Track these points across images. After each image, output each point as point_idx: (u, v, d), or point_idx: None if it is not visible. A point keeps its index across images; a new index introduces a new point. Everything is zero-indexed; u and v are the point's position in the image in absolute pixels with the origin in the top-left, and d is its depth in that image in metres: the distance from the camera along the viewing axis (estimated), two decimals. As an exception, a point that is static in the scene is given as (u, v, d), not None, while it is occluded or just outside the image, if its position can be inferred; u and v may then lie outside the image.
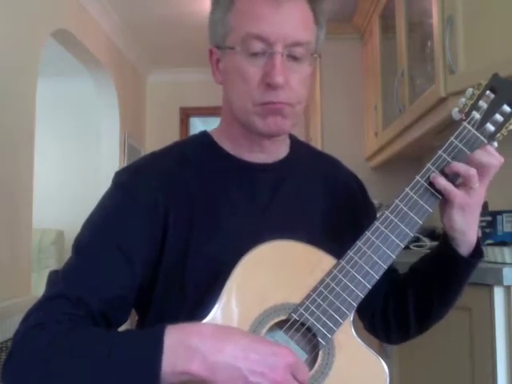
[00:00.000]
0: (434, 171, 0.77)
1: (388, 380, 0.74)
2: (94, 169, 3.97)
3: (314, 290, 0.73)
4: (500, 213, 1.42)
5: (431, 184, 0.77)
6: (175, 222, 0.79)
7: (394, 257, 0.76)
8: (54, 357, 0.64)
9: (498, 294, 1.07)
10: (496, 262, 1.17)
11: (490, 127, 0.79)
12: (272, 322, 0.71)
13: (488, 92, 0.80)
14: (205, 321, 0.70)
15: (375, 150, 2.75)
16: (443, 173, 0.77)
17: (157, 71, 4.68)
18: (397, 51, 2.29)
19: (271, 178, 0.87)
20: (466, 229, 0.79)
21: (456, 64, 1.59)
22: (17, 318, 0.70)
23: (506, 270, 1.05)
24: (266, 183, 0.86)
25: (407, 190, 0.78)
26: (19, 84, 2.35)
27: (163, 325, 0.65)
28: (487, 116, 0.79)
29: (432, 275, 0.85)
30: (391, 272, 0.90)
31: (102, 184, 3.07)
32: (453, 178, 0.77)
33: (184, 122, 4.75)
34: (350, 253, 0.75)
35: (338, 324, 0.72)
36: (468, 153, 0.78)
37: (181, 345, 0.63)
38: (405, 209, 0.77)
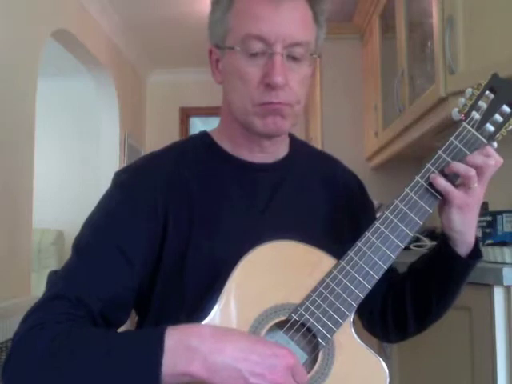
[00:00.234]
0: (433, 171, 0.77)
1: (388, 380, 0.74)
2: (94, 169, 3.97)
3: (314, 290, 0.73)
4: (500, 213, 1.41)
5: (431, 184, 0.77)
6: (175, 222, 0.79)
7: (394, 257, 0.76)
8: (54, 357, 0.64)
9: (498, 294, 1.07)
10: (496, 262, 1.17)
11: (490, 127, 0.79)
12: (272, 323, 0.71)
13: (487, 92, 0.80)
14: (205, 321, 0.70)
15: (375, 150, 2.75)
16: (443, 173, 0.77)
17: (157, 71, 4.68)
18: (397, 51, 2.28)
19: (271, 177, 0.87)
20: (465, 229, 0.79)
21: (456, 64, 1.59)
22: (17, 318, 0.70)
23: (505, 270, 1.04)
24: (265, 183, 0.86)
25: (407, 190, 0.78)
26: (19, 84, 2.35)
27: (163, 326, 0.65)
28: (487, 116, 0.79)
29: (430, 275, 0.85)
30: (390, 271, 0.90)
31: (102, 184, 3.07)
32: (452, 178, 0.77)
33: (184, 122, 4.75)
34: (350, 253, 0.75)
35: (338, 324, 0.72)
36: (468, 153, 0.78)
37: (181, 346, 0.63)
38: (405, 209, 0.77)
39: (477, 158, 0.76)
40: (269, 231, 0.75)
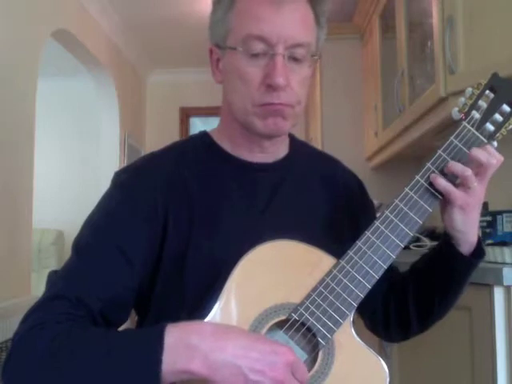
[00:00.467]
0: (433, 171, 0.77)
1: (388, 380, 0.74)
2: (94, 169, 3.97)
3: (314, 289, 0.73)
4: (500, 213, 1.41)
5: (431, 184, 0.77)
6: (175, 222, 0.79)
7: (394, 257, 0.76)
8: (54, 357, 0.64)
9: (498, 294, 1.07)
10: (496, 262, 1.17)
11: (490, 127, 0.79)
12: (272, 322, 0.71)
13: (487, 92, 0.80)
14: (205, 320, 0.70)
15: (375, 150, 2.75)
16: (443, 173, 0.77)
17: (157, 71, 4.68)
18: (397, 51, 2.28)
19: (271, 177, 0.87)
20: (467, 228, 0.79)
21: (456, 64, 1.59)
22: (17, 318, 0.70)
23: (505, 270, 1.05)
24: (265, 183, 0.86)
25: (407, 189, 0.78)
26: (19, 84, 2.35)
27: (163, 324, 0.65)
28: (487, 116, 0.79)
29: (433, 275, 0.85)
30: (391, 270, 0.90)
31: (102, 184, 3.07)
32: (452, 177, 0.77)
33: (184, 122, 4.75)
34: (350, 253, 0.75)
35: (338, 324, 0.72)
36: (468, 152, 0.78)
37: (181, 343, 0.63)
38: (405, 209, 0.77)
39: (481, 154, 0.76)
40: (269, 231, 0.75)
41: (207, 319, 0.70)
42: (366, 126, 2.99)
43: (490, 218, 1.42)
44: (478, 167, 0.77)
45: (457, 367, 1.22)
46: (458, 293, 0.85)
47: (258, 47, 0.77)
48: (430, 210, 0.77)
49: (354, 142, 3.02)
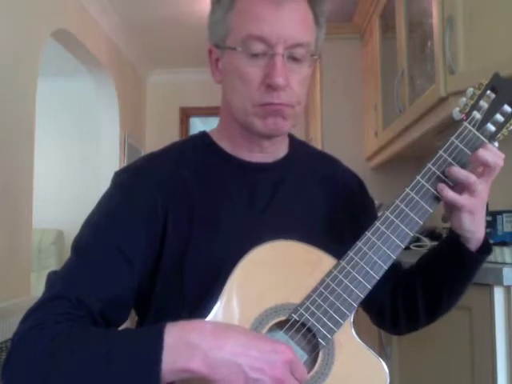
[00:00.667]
0: (438, 176, 0.77)
1: (388, 380, 0.74)
2: (94, 169, 3.97)
3: (315, 290, 0.73)
4: (500, 213, 1.41)
5: (432, 185, 0.77)
6: (174, 223, 0.79)
7: (395, 257, 0.76)
8: (54, 357, 0.64)
9: (498, 294, 1.07)
10: (496, 262, 1.16)
11: (491, 127, 0.79)
12: (272, 323, 0.71)
13: (489, 92, 0.80)
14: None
15: (375, 150, 2.75)
16: (443, 174, 0.77)
17: (157, 71, 4.68)
18: (397, 51, 2.28)
19: (271, 177, 0.87)
20: (475, 228, 0.80)
21: (456, 64, 1.59)
22: (17, 318, 0.70)
23: (506, 270, 1.04)
24: (265, 183, 0.86)
25: (408, 190, 0.77)
26: (19, 84, 2.35)
27: (163, 323, 0.65)
28: (488, 116, 0.79)
29: (441, 270, 0.86)
30: (396, 266, 0.90)
31: (102, 184, 3.07)
32: (453, 180, 0.77)
33: (184, 122, 4.75)
34: (351, 253, 0.75)
35: (338, 324, 0.72)
36: (469, 153, 0.78)
37: (181, 342, 0.63)
38: (405, 209, 0.77)
39: (489, 155, 0.76)
40: (268, 231, 0.75)
41: (207, 319, 0.70)
42: (366, 125, 2.99)
43: (490, 217, 1.42)
44: (484, 168, 0.77)
45: (457, 367, 1.22)
46: (465, 286, 0.87)
47: (258, 47, 0.77)
48: (431, 211, 0.77)
49: (354, 142, 3.02)
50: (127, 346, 0.65)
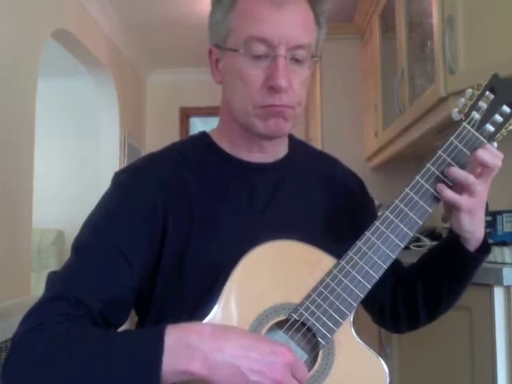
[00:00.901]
0: (438, 176, 0.77)
1: (388, 380, 0.74)
2: (94, 169, 3.97)
3: (314, 290, 0.73)
4: (500, 213, 1.41)
5: (431, 185, 0.77)
6: (174, 223, 0.79)
7: (394, 257, 0.76)
8: (54, 358, 0.64)
9: (498, 294, 1.07)
10: (496, 262, 1.17)
11: (490, 128, 0.79)
12: (272, 322, 0.71)
13: (488, 92, 0.80)
14: (205, 321, 0.70)
15: (375, 150, 2.75)
16: (443, 174, 0.77)
17: (157, 71, 4.68)
18: (397, 51, 2.28)
19: (270, 177, 0.87)
20: (475, 228, 0.81)
21: (456, 64, 1.59)
22: (17, 318, 0.70)
23: (506, 270, 1.05)
24: (265, 183, 0.86)
25: (407, 190, 0.78)
26: (19, 84, 2.35)
27: (163, 325, 0.65)
28: (487, 116, 0.79)
29: (441, 270, 0.87)
30: (396, 265, 0.91)
31: (102, 184, 3.07)
32: (452, 180, 0.77)
33: (184, 122, 4.75)
34: (350, 253, 0.75)
35: (338, 324, 0.72)
36: (468, 153, 0.78)
37: (181, 344, 0.63)
38: (405, 209, 0.77)
39: (486, 155, 0.76)
40: (268, 231, 0.75)
41: (207, 319, 0.70)
42: (366, 125, 2.99)
43: (490, 217, 1.42)
44: (483, 168, 0.77)
45: (457, 367, 1.22)
46: (465, 285, 0.87)
47: (260, 49, 0.77)
48: (430, 211, 0.78)
49: (354, 142, 3.02)
50: (127, 347, 0.65)
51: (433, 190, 0.78)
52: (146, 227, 0.78)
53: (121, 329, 0.75)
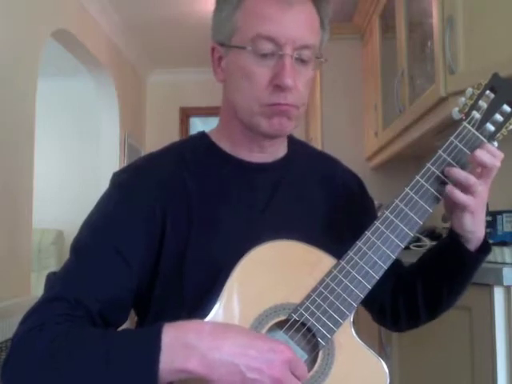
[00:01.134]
0: (437, 175, 0.77)
1: (388, 380, 0.74)
2: (94, 169, 3.97)
3: (314, 290, 0.73)
4: (500, 213, 1.41)
5: (432, 185, 0.77)
6: (173, 223, 0.79)
7: (394, 257, 0.76)
8: (53, 358, 0.64)
9: (498, 294, 1.07)
10: (496, 262, 1.17)
11: (490, 127, 0.79)
12: (272, 322, 0.71)
13: (488, 92, 0.80)
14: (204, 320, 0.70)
15: (375, 150, 2.75)
16: (443, 174, 0.77)
17: (157, 71, 4.68)
18: (397, 51, 2.28)
19: (270, 177, 0.87)
20: (476, 228, 0.81)
21: (456, 64, 1.59)
22: (17, 318, 0.70)
23: (506, 270, 1.05)
24: (265, 183, 0.86)
25: (407, 190, 0.78)
26: (19, 84, 2.35)
27: (161, 323, 0.65)
28: (487, 116, 0.79)
29: (441, 270, 0.87)
30: (396, 265, 0.91)
31: (102, 184, 3.05)
32: (453, 180, 0.77)
33: (184, 122, 4.75)
34: (350, 253, 0.75)
35: (337, 324, 0.72)
36: (468, 153, 0.78)
37: (178, 342, 0.63)
38: (405, 209, 0.77)
39: (485, 155, 0.76)
40: (268, 231, 0.75)
41: (207, 320, 0.70)
42: (366, 125, 2.99)
43: (490, 217, 1.42)
44: (482, 169, 0.77)
45: (457, 367, 1.22)
46: (465, 285, 0.87)
47: (267, 47, 0.77)
48: (431, 211, 0.78)
49: (354, 142, 3.02)
50: (125, 346, 0.65)
51: (433, 190, 0.77)
52: (145, 227, 0.78)
53: (121, 328, 0.75)
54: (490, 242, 0.87)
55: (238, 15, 0.79)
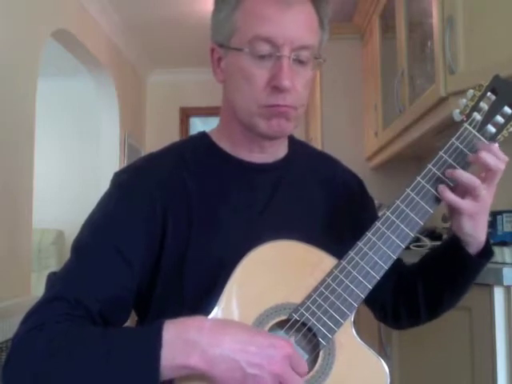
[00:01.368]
0: (438, 176, 0.77)
1: (388, 380, 0.74)
2: (94, 169, 3.97)
3: (315, 290, 0.73)
4: (500, 213, 1.41)
5: (433, 185, 0.77)
6: (174, 223, 0.79)
7: (395, 257, 0.76)
8: (53, 357, 0.64)
9: (498, 294, 1.07)
10: (496, 262, 1.17)
11: (491, 128, 0.79)
12: (273, 322, 0.71)
13: (489, 93, 0.80)
14: (205, 320, 0.70)
15: (375, 150, 2.75)
16: (444, 175, 0.77)
17: (157, 71, 4.68)
18: (397, 51, 2.28)
19: (270, 177, 0.87)
20: (476, 232, 0.80)
21: (456, 64, 1.59)
22: (17, 318, 0.70)
23: (505, 270, 1.05)
24: (265, 183, 0.86)
25: (408, 190, 0.78)
26: (19, 84, 2.35)
27: (161, 320, 0.65)
28: (488, 117, 0.79)
29: (442, 272, 0.86)
30: (397, 264, 0.90)
31: (102, 184, 3.06)
32: (452, 181, 0.77)
33: (184, 122, 4.75)
34: (351, 253, 0.75)
35: (338, 324, 0.72)
36: (469, 154, 0.78)
37: (179, 339, 0.63)
38: (406, 210, 0.77)
39: (490, 157, 0.75)
40: (268, 231, 0.75)
41: (208, 319, 0.70)
42: (366, 125, 2.99)
43: (490, 217, 1.42)
44: (486, 172, 0.76)
45: (457, 367, 1.22)
46: (466, 287, 0.87)
47: (265, 49, 0.77)
48: (431, 212, 0.78)
49: (354, 142, 3.02)
50: (126, 343, 0.65)
51: (434, 191, 0.77)
52: (146, 227, 0.78)
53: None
54: (490, 242, 0.86)
55: (237, 16, 0.79)
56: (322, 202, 0.90)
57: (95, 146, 4.04)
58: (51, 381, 0.64)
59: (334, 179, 0.94)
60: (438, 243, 1.66)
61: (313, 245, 0.76)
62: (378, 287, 0.75)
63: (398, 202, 0.77)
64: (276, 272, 0.74)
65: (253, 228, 0.80)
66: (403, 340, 1.52)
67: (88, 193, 3.82)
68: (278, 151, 0.89)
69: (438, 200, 0.78)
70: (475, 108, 0.80)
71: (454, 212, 0.79)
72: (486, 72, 0.83)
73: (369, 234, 0.76)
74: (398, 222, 0.76)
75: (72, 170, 4.33)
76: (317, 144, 3.11)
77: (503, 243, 1.28)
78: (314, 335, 0.72)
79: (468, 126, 0.79)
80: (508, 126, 0.80)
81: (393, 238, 0.76)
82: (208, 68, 0.87)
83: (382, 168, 2.89)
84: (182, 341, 0.63)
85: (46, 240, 3.90)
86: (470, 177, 0.75)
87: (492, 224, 1.41)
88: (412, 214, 0.77)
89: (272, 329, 0.72)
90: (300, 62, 0.78)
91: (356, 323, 0.76)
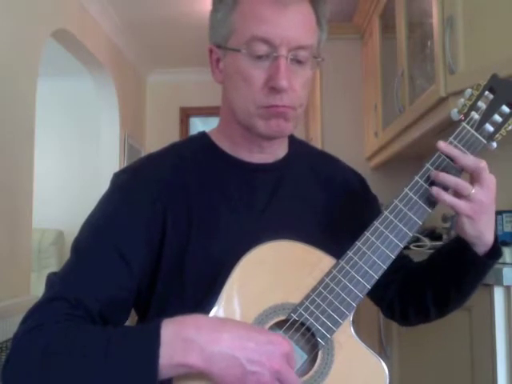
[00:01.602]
0: (433, 179, 0.77)
1: (388, 380, 0.74)
2: (94, 169, 3.97)
3: (314, 290, 0.73)
4: (500, 213, 1.42)
5: (431, 185, 0.77)
6: (174, 224, 0.79)
7: (394, 257, 0.76)
8: (53, 357, 0.65)
9: (498, 294, 1.07)
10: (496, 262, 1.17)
11: (489, 128, 0.79)
12: (271, 322, 0.72)
13: (487, 93, 0.80)
14: (204, 320, 0.70)
15: (375, 149, 2.75)
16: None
17: (157, 71, 4.68)
18: (397, 51, 2.28)
19: (270, 177, 0.87)
20: (479, 233, 0.79)
21: (456, 64, 1.59)
22: (17, 318, 0.71)
23: (505, 270, 1.05)
24: (265, 183, 0.86)
25: (406, 190, 0.78)
26: (19, 84, 2.35)
27: (160, 319, 0.65)
28: (486, 116, 0.79)
29: (448, 271, 0.85)
30: (405, 262, 0.90)
31: (102, 184, 3.06)
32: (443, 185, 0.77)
33: (184, 122, 4.75)
34: (350, 253, 0.75)
35: (337, 324, 0.72)
36: (467, 153, 0.78)
37: (178, 337, 0.63)
38: (404, 209, 0.77)
39: (468, 159, 0.76)
40: (268, 231, 0.76)
41: (207, 319, 0.70)
42: (366, 126, 2.99)
43: (490, 218, 1.41)
44: (470, 173, 0.76)
45: (457, 367, 1.22)
46: (474, 287, 0.86)
47: (262, 49, 0.77)
48: (430, 211, 0.78)
49: (353, 142, 3.02)
50: (125, 342, 0.65)
51: (432, 191, 0.77)
52: (146, 227, 0.78)
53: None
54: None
55: (234, 17, 0.79)
56: (323, 201, 0.90)
57: (95, 146, 4.04)
58: (51, 380, 0.65)
59: (335, 179, 0.94)
60: (438, 243, 1.67)
61: (313, 245, 0.76)
62: (385, 286, 0.75)
63: (396, 201, 0.77)
64: (275, 272, 0.74)
65: (253, 228, 0.80)
66: (403, 340, 1.52)
67: (88, 193, 3.82)
68: (278, 151, 0.89)
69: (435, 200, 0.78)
70: (473, 107, 0.80)
71: (455, 212, 0.79)
72: (486, 72, 0.83)
73: (367, 234, 0.76)
74: (396, 221, 0.76)
75: (72, 170, 4.33)
76: (317, 144, 3.11)
77: (503, 243, 1.28)
78: (313, 335, 0.72)
79: (466, 126, 0.79)
80: (506, 125, 0.80)
81: (391, 237, 0.76)
82: (208, 68, 0.87)
83: (382, 168, 2.88)
84: (180, 339, 0.63)
85: (45, 240, 3.90)
86: (454, 179, 0.75)
87: (492, 224, 1.41)
88: (410, 214, 0.77)
89: (271, 329, 0.72)
90: (298, 61, 0.78)
91: (355, 323, 0.76)
